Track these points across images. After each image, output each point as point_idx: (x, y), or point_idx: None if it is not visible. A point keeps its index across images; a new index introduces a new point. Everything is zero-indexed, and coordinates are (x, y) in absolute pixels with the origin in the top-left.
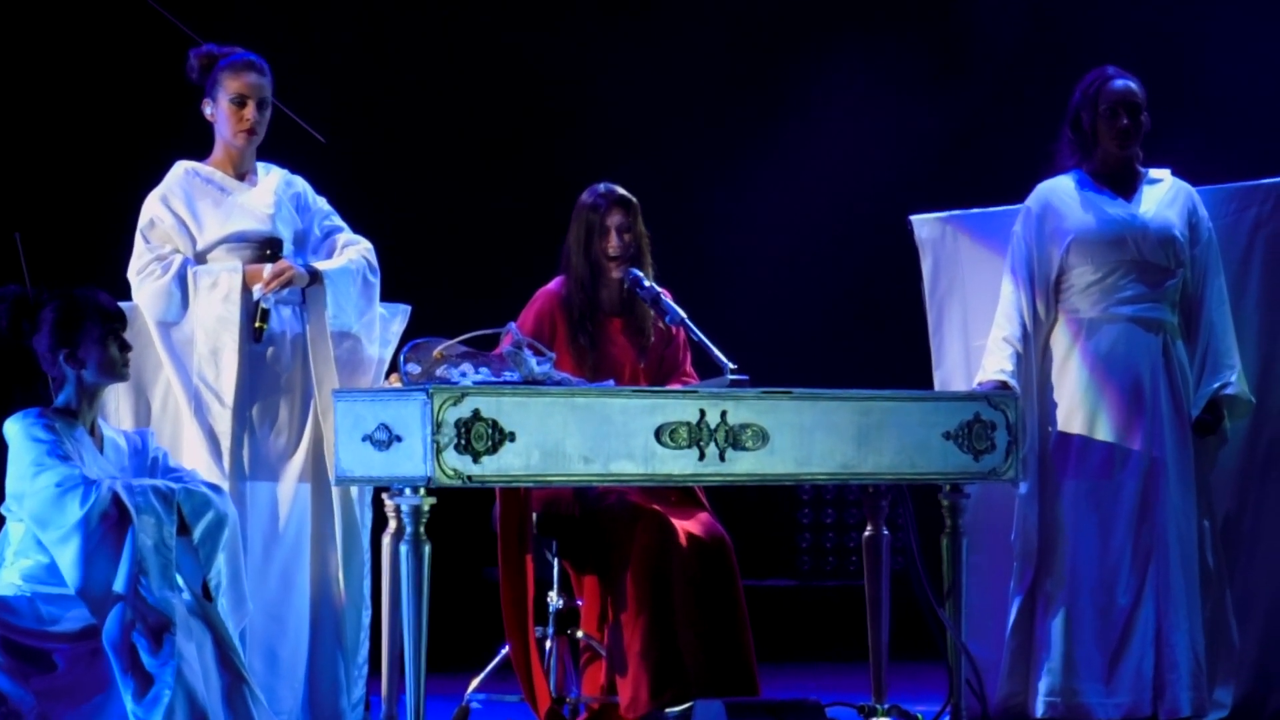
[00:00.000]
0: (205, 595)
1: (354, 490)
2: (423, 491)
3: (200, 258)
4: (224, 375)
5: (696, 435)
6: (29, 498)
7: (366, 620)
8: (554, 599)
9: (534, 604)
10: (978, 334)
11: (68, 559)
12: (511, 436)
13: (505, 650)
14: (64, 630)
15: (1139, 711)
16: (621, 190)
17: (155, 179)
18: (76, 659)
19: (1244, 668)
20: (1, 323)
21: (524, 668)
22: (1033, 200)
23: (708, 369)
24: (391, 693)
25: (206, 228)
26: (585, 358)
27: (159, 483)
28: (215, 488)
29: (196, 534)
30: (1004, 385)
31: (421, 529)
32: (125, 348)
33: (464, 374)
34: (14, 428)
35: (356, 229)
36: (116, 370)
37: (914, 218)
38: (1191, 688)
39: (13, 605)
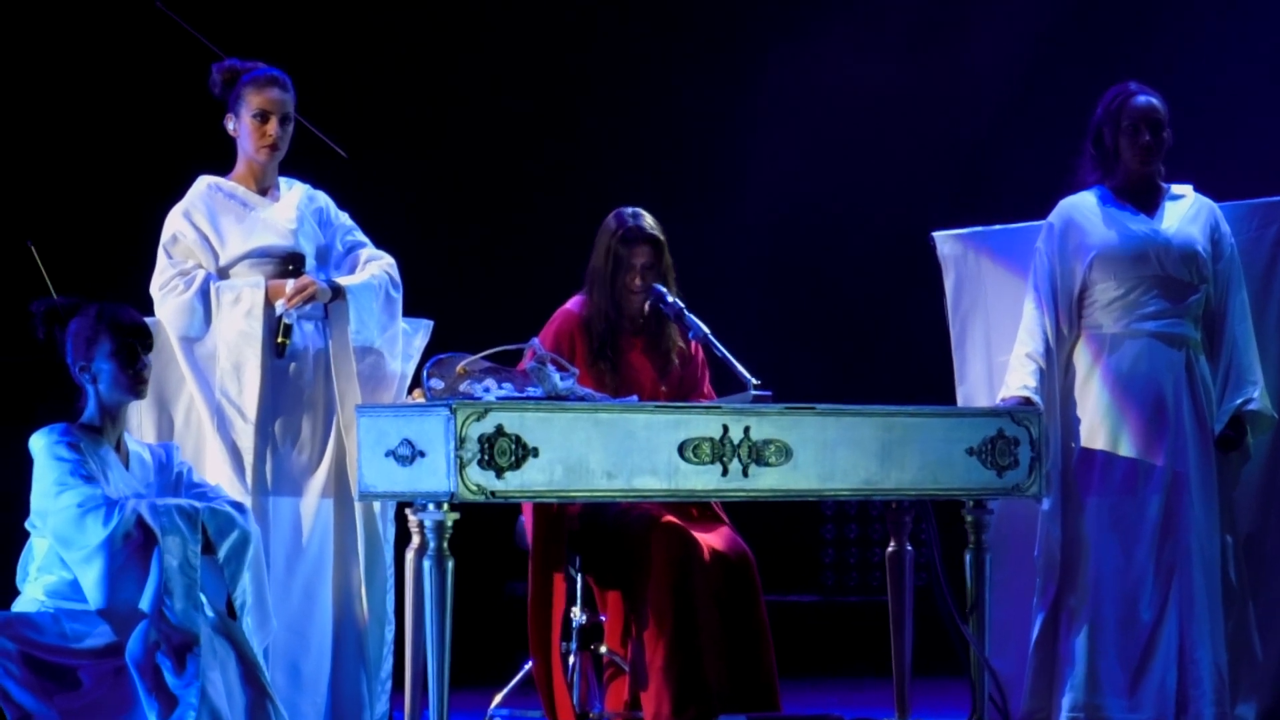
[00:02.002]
0: (230, 613)
1: (376, 505)
2: (446, 507)
3: (223, 273)
4: (246, 390)
5: (720, 451)
6: (51, 516)
7: (390, 636)
8: (577, 614)
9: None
10: (1000, 350)
11: (91, 579)
12: (535, 452)
13: (528, 666)
14: (89, 647)
15: None
16: (649, 225)
17: (178, 194)
18: (101, 677)
19: (1267, 683)
20: (37, 335)
21: (546, 685)
22: (1055, 216)
23: (730, 385)
24: (414, 708)
25: (229, 243)
26: (605, 379)
27: (183, 502)
28: (239, 505)
29: (221, 553)
30: (1027, 401)
31: (445, 544)
32: (141, 365)
33: (487, 389)
34: (39, 443)
35: (378, 244)
36: (129, 387)
37: (936, 234)
38: (1215, 703)
39: (36, 622)
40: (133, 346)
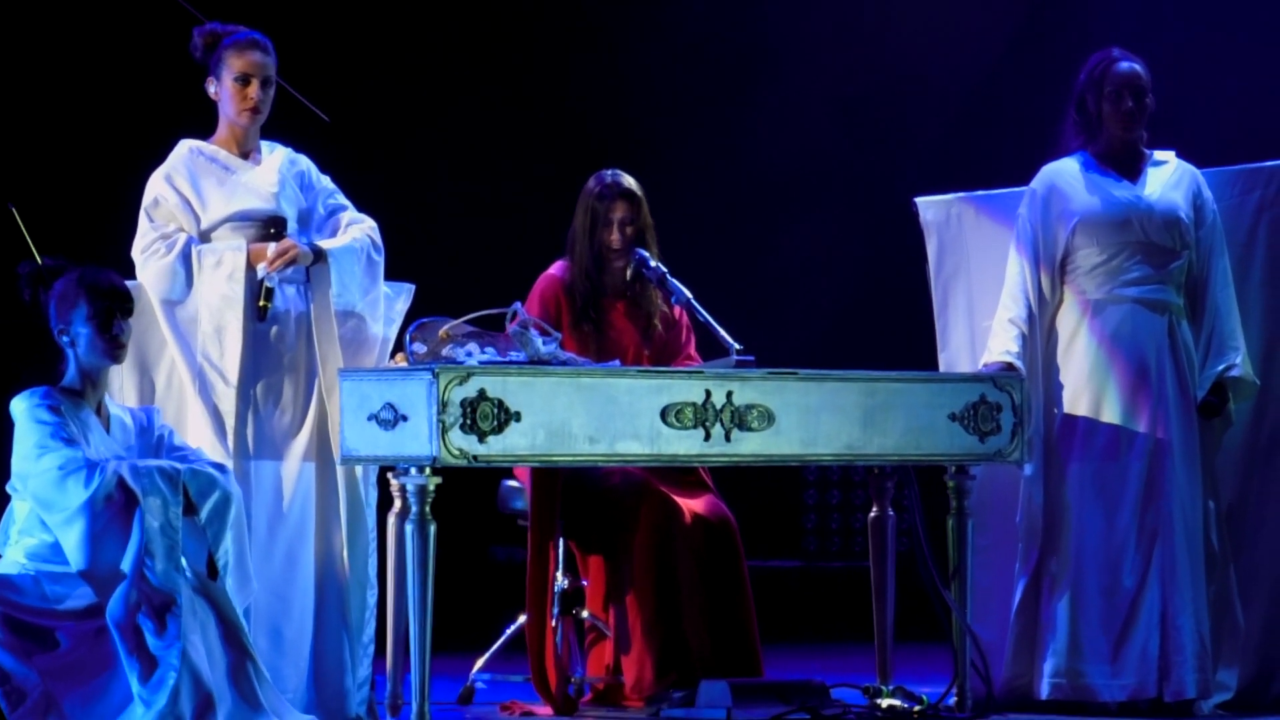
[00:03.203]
0: (211, 574)
1: (359, 469)
2: (428, 471)
3: (204, 236)
4: (228, 354)
5: (702, 416)
6: (32, 479)
7: (372, 600)
8: (559, 579)
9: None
10: (983, 315)
11: (72, 541)
12: (517, 416)
13: (510, 630)
14: (69, 608)
15: (1144, 693)
16: (626, 182)
17: (160, 157)
18: (81, 638)
19: (1248, 649)
20: (22, 297)
21: (538, 649)
22: (1038, 182)
23: (713, 350)
24: (396, 672)
25: (210, 206)
26: (589, 342)
27: (164, 463)
28: (220, 466)
29: (203, 514)
30: (1010, 367)
31: (427, 509)
32: (118, 330)
33: (470, 354)
34: (20, 406)
35: (360, 207)
36: (105, 351)
37: (919, 200)
38: (1196, 669)
39: (17, 583)
40: (110, 310)
